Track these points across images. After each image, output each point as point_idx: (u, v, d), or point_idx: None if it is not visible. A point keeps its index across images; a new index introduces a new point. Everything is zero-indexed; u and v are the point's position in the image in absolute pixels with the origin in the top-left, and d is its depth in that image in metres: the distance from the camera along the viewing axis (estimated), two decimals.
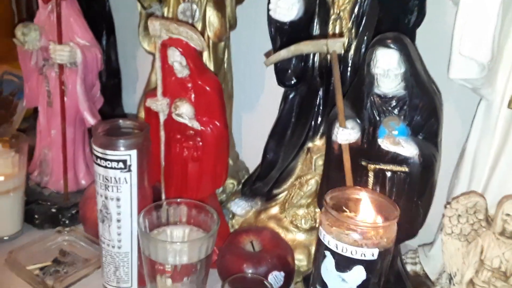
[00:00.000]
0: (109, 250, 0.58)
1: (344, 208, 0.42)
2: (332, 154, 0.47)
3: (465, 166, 0.55)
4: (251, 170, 0.82)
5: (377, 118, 0.45)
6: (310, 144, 0.67)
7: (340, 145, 0.46)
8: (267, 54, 0.63)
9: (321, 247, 0.40)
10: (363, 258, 0.38)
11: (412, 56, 0.43)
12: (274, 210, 0.68)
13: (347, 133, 0.44)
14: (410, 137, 0.44)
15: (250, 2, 0.77)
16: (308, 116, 0.67)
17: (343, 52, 0.46)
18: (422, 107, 0.44)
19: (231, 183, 0.81)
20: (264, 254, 0.56)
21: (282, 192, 0.69)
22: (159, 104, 0.60)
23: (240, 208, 0.71)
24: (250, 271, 0.54)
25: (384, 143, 0.43)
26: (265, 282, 0.50)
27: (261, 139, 0.74)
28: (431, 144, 0.45)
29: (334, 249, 0.38)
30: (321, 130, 0.66)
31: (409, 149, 0.43)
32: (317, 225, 0.65)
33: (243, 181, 0.78)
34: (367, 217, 0.39)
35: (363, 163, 0.47)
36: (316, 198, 0.65)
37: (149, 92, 0.63)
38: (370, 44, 0.44)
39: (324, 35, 0.62)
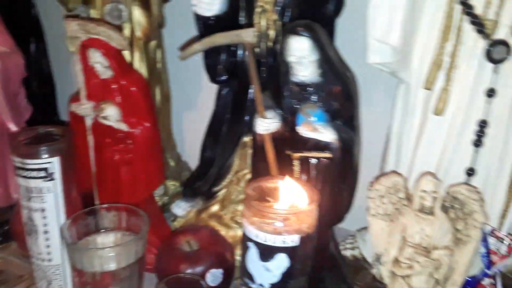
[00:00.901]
0: (39, 264, 0.55)
1: (268, 198, 0.42)
2: (257, 145, 0.47)
3: (391, 149, 0.56)
4: None
5: (296, 106, 0.45)
6: (246, 139, 0.67)
7: (263, 136, 0.46)
8: (182, 48, 0.62)
9: (245, 238, 0.40)
10: (284, 245, 0.37)
11: (324, 43, 0.44)
12: (214, 208, 0.67)
13: (266, 124, 0.44)
14: (328, 123, 0.44)
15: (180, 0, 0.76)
16: (242, 111, 0.66)
17: (254, 41, 0.45)
18: (337, 92, 0.44)
19: (173, 185, 0.79)
20: (201, 253, 0.55)
21: (222, 190, 0.68)
22: (83, 108, 0.58)
23: (181, 209, 0.69)
24: (187, 271, 0.53)
25: (303, 130, 0.43)
26: (201, 282, 0.49)
27: (201, 138, 0.73)
28: (348, 128, 0.45)
29: (256, 239, 0.38)
30: None
31: (327, 134, 0.43)
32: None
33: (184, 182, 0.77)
34: (286, 204, 0.39)
35: (288, 152, 0.47)
36: None
37: (73, 96, 0.61)
38: (283, 32, 0.44)
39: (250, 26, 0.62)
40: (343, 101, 0.44)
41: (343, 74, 0.45)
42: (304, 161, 0.47)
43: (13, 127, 0.68)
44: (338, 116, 0.45)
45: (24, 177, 0.51)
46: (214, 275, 0.54)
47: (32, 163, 0.50)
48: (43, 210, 0.52)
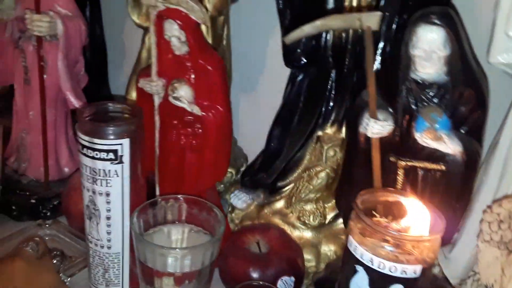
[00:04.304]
0: (98, 251, 0.51)
1: (373, 212, 0.36)
2: (357, 148, 0.41)
3: (496, 161, 0.49)
4: (249, 157, 0.76)
5: (413, 107, 0.39)
6: (320, 133, 0.61)
7: (367, 138, 0.40)
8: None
9: (351, 260, 0.34)
10: (403, 276, 0.32)
11: (461, 36, 0.37)
12: (279, 204, 0.62)
13: (379, 126, 0.38)
14: (452, 132, 0.38)
15: None
16: (318, 101, 0.60)
17: (378, 28, 0.39)
18: (469, 96, 0.37)
19: (229, 172, 0.74)
20: (272, 257, 0.50)
21: (288, 185, 0.63)
22: (154, 85, 0.53)
23: (241, 201, 0.64)
24: (256, 275, 0.49)
25: (424, 138, 0.37)
26: None
27: (260, 123, 0.67)
28: (474, 140, 0.39)
29: (369, 264, 0.33)
30: (332, 117, 0.60)
31: (452, 146, 0.37)
32: (326, 222, 0.60)
33: (242, 170, 0.72)
34: (409, 227, 0.33)
35: (392, 159, 0.41)
36: (325, 193, 0.60)
37: (142, 71, 0.56)
38: (411, 20, 0.38)
39: (339, 8, 0.55)
40: (474, 108, 0.38)
41: (478, 74, 0.38)
42: (410, 172, 0.41)
43: (71, 98, 0.64)
44: (464, 124, 0.38)
45: (91, 157, 0.46)
46: (286, 283, 0.49)
47: (102, 143, 0.46)
48: (108, 194, 0.48)
